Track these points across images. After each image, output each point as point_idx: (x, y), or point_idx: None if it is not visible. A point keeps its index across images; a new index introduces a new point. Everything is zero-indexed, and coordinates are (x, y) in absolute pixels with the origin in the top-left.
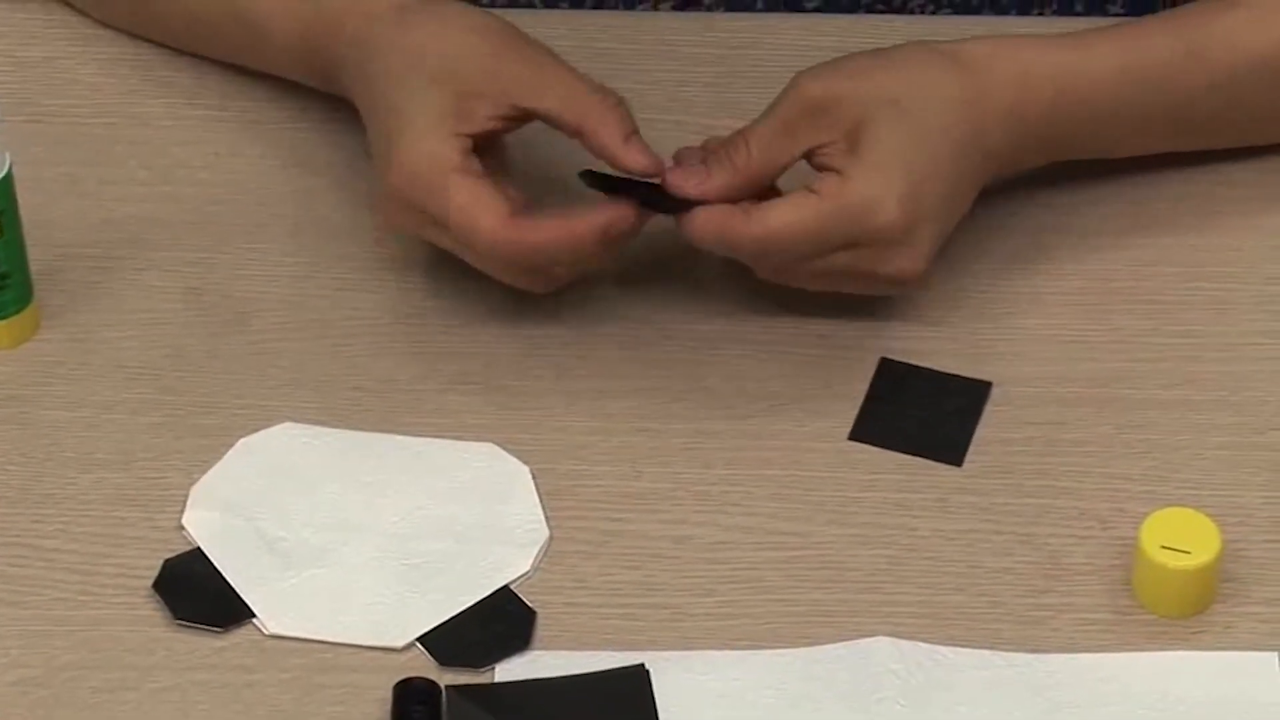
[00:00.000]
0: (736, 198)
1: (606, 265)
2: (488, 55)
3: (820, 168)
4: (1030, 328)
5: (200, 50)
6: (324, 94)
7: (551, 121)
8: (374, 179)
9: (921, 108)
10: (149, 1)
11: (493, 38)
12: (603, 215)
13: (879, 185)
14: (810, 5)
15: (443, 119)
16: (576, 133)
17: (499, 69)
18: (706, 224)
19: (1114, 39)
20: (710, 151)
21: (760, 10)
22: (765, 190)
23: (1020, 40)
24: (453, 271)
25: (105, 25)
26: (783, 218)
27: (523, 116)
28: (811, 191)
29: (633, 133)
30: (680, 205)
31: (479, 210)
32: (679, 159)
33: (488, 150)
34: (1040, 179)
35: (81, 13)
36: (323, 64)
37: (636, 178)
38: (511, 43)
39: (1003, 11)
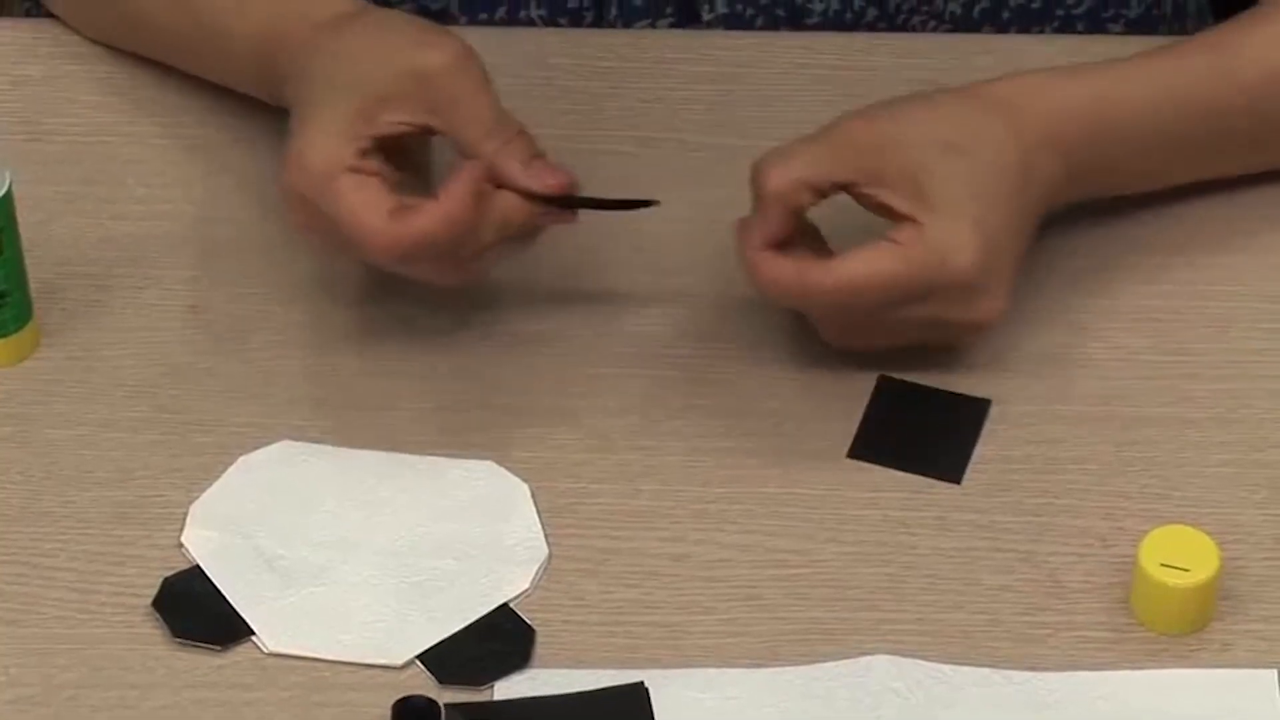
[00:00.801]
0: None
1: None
2: (407, 65)
3: (884, 213)
4: (1029, 345)
5: (174, 62)
6: None
7: (452, 137)
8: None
9: (975, 149)
10: (125, 16)
11: (423, 51)
12: (464, 179)
13: (956, 232)
14: (810, 21)
15: (346, 119)
16: (473, 155)
17: (417, 80)
18: (780, 276)
19: (1148, 64)
20: (758, 195)
21: (759, 29)
22: (801, 224)
23: (1043, 75)
24: (451, 291)
25: (101, 44)
26: (863, 268)
27: (427, 130)
28: (890, 241)
29: (534, 156)
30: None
31: (366, 210)
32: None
33: (402, 154)
34: None
35: (76, 30)
36: (271, 73)
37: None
38: (440, 59)
39: (1003, 28)
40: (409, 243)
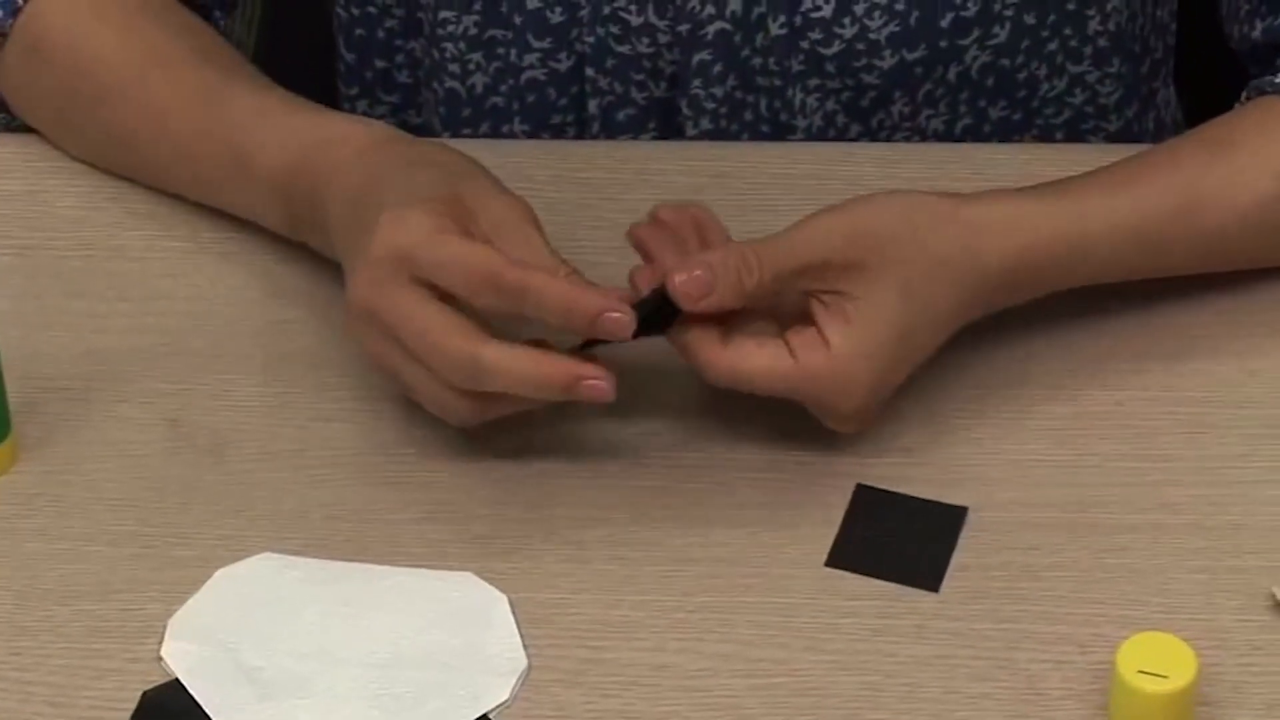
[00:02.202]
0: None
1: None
2: (474, 199)
3: (806, 311)
4: (1005, 453)
5: (176, 183)
6: None
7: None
8: (350, 260)
9: (926, 299)
10: (128, 130)
11: (488, 191)
12: (603, 303)
13: (853, 376)
14: (794, 138)
15: (434, 199)
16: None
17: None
18: (684, 342)
19: (1110, 199)
20: (718, 263)
21: (743, 141)
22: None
23: (1018, 205)
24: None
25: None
26: (757, 365)
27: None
28: (791, 354)
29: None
30: (668, 318)
31: (478, 250)
32: (681, 262)
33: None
34: (1016, 309)
35: (57, 147)
36: (304, 189)
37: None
38: (503, 203)
39: (984, 139)
40: (529, 283)
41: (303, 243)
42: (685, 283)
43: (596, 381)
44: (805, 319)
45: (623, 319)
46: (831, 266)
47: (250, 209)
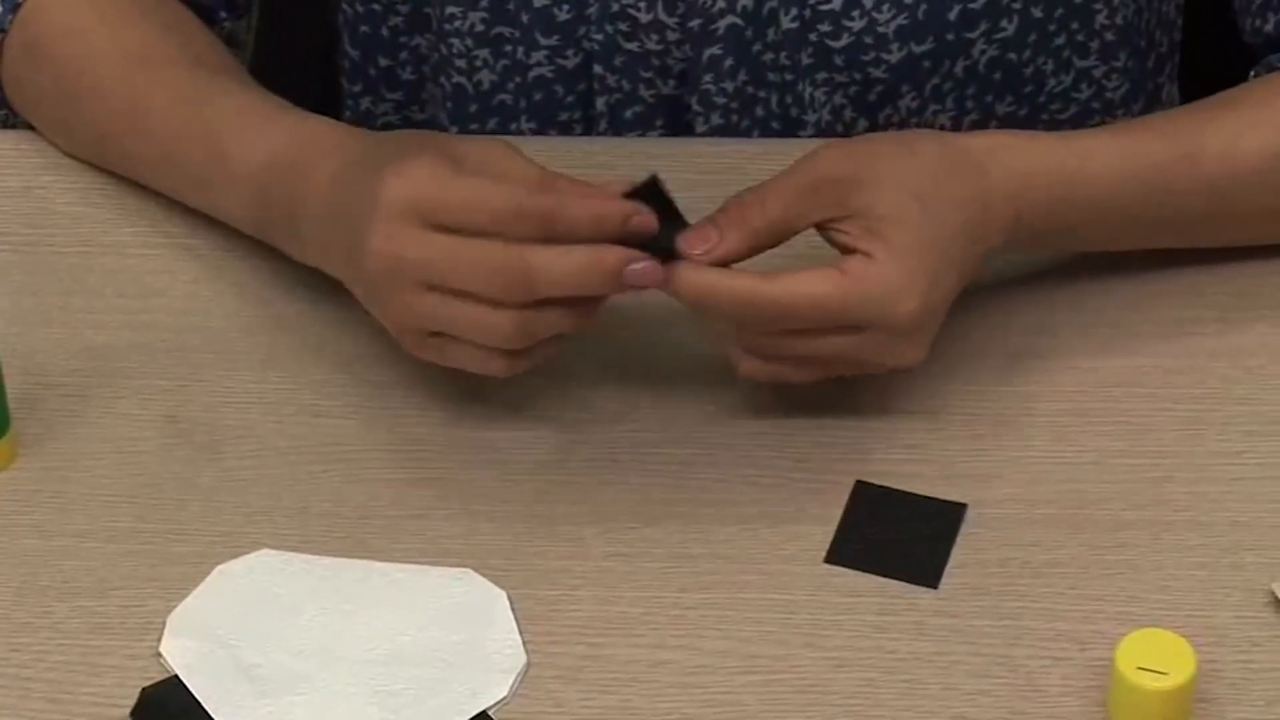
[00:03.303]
0: (741, 259)
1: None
2: (457, 147)
3: (840, 245)
4: (1004, 450)
5: (155, 178)
6: None
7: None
8: (361, 222)
9: (940, 206)
10: (115, 130)
11: (464, 141)
12: (630, 205)
13: (905, 276)
14: (804, 134)
15: (429, 149)
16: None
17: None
18: (716, 281)
19: (1113, 141)
20: (722, 211)
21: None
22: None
23: (1021, 139)
24: (428, 398)
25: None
26: (807, 288)
27: None
28: (837, 269)
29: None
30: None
31: (502, 177)
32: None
33: None
34: (1014, 302)
35: (54, 144)
36: (280, 195)
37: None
38: (482, 144)
39: (985, 128)
40: (555, 198)
41: (272, 245)
42: (690, 238)
43: (645, 265)
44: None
45: (649, 218)
46: (836, 184)
47: (227, 211)
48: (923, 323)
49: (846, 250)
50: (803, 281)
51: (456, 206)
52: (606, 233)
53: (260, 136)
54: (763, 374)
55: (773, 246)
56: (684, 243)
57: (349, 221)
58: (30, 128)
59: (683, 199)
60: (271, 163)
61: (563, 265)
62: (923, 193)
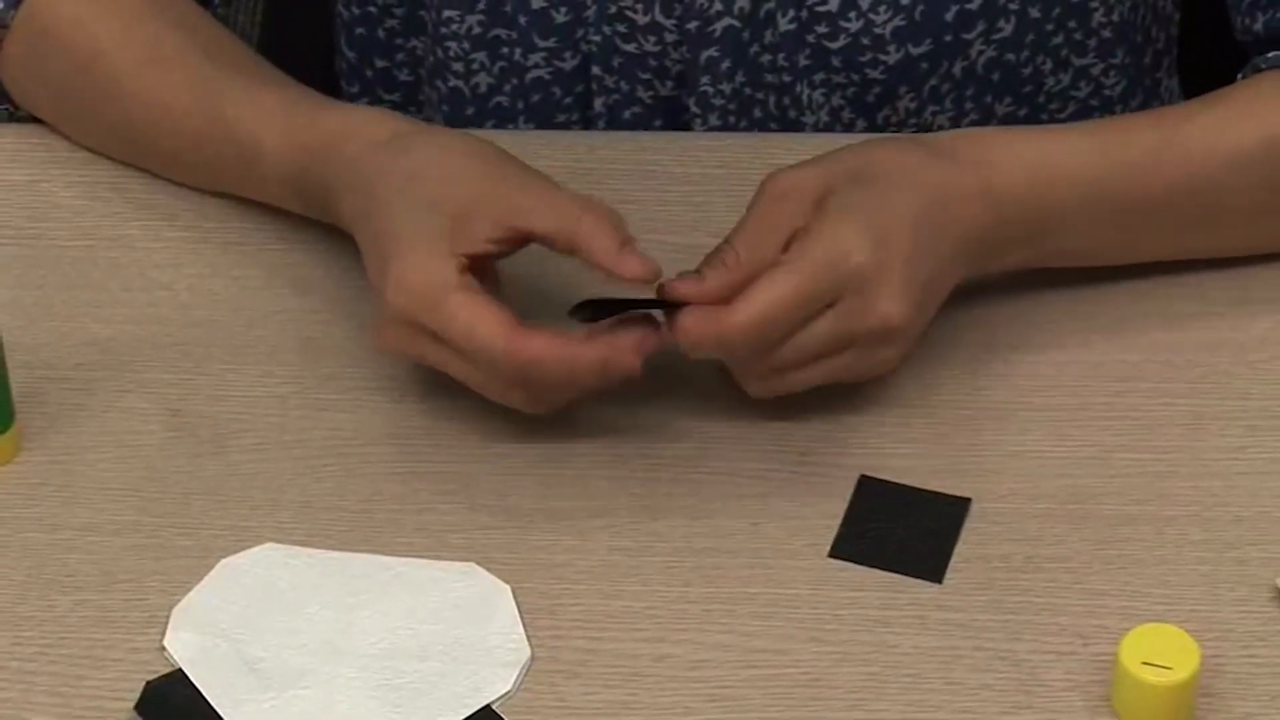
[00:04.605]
0: (730, 297)
1: (596, 394)
2: (482, 178)
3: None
4: (1007, 445)
5: (184, 175)
6: (300, 216)
7: (546, 241)
8: (373, 300)
9: (885, 175)
10: (133, 124)
11: (487, 162)
12: (604, 349)
13: (844, 232)
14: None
15: (441, 238)
16: (570, 250)
17: (494, 191)
18: (698, 326)
19: (1092, 130)
20: (703, 263)
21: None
22: None
23: (991, 130)
24: (431, 391)
25: (86, 148)
26: (764, 294)
27: (517, 238)
28: (779, 263)
29: (626, 241)
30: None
31: (479, 322)
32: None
33: (481, 275)
34: (1016, 297)
35: (63, 135)
36: (314, 186)
37: (629, 296)
38: (503, 166)
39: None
40: (526, 360)
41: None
42: (673, 281)
43: (628, 359)
44: None
45: (631, 360)
46: (783, 198)
47: (267, 197)
48: (885, 269)
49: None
50: (757, 292)
51: (439, 328)
52: (583, 382)
53: (283, 137)
54: (770, 391)
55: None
56: (669, 286)
57: (372, 271)
58: (34, 120)
59: (680, 193)
60: (300, 164)
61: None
62: (862, 169)
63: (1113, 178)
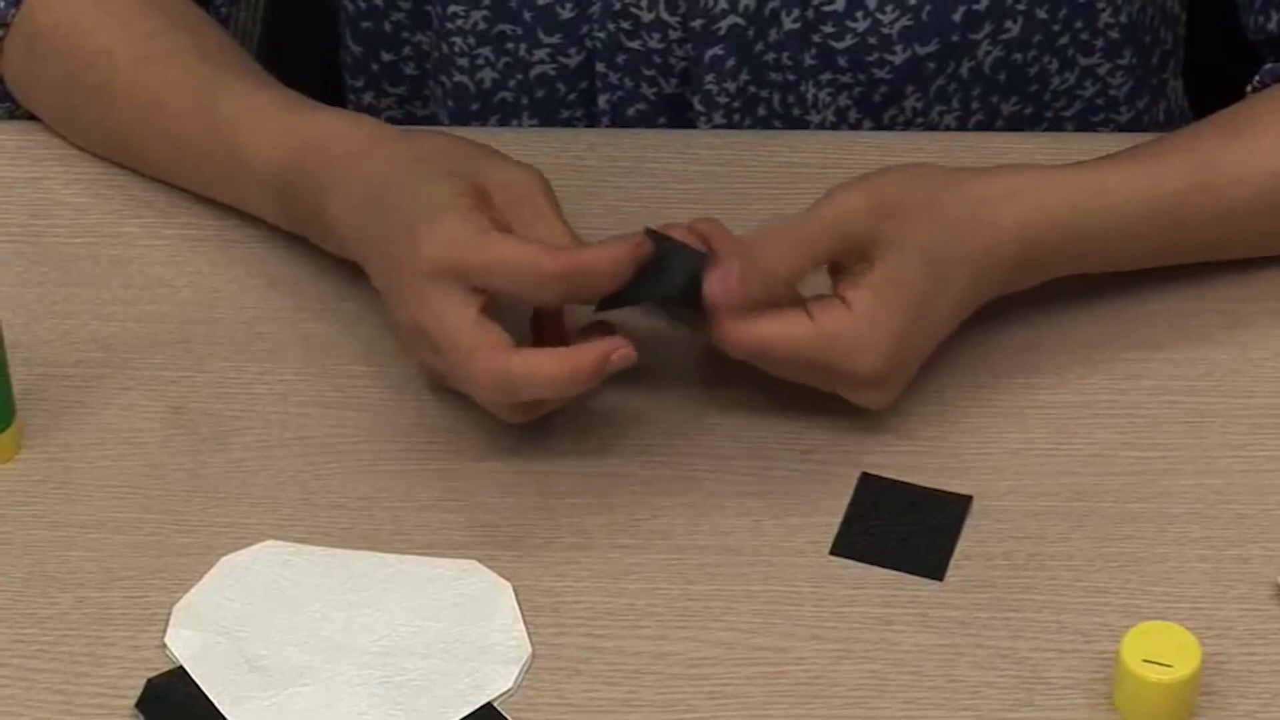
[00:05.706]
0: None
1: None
2: (483, 173)
3: (832, 274)
4: (1008, 442)
5: (174, 178)
6: None
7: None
8: (391, 276)
9: (946, 267)
10: (127, 126)
11: (494, 164)
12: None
13: (872, 332)
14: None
15: (465, 195)
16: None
17: (485, 191)
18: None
19: (1128, 174)
20: (742, 258)
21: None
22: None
23: (1038, 179)
24: (432, 388)
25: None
26: (775, 330)
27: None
28: (808, 315)
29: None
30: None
31: (522, 248)
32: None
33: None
34: (1020, 297)
35: (61, 136)
36: (299, 190)
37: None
38: (511, 175)
39: (990, 128)
40: (571, 264)
41: (303, 236)
42: (712, 285)
43: (622, 351)
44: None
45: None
46: (857, 241)
47: (248, 205)
48: (887, 380)
49: (835, 283)
50: (772, 324)
51: (480, 270)
52: (623, 276)
53: (276, 136)
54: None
55: (788, 288)
56: (707, 288)
57: (384, 260)
58: (34, 118)
59: (684, 191)
60: (289, 163)
61: (541, 375)
62: (935, 255)
63: (1146, 225)
